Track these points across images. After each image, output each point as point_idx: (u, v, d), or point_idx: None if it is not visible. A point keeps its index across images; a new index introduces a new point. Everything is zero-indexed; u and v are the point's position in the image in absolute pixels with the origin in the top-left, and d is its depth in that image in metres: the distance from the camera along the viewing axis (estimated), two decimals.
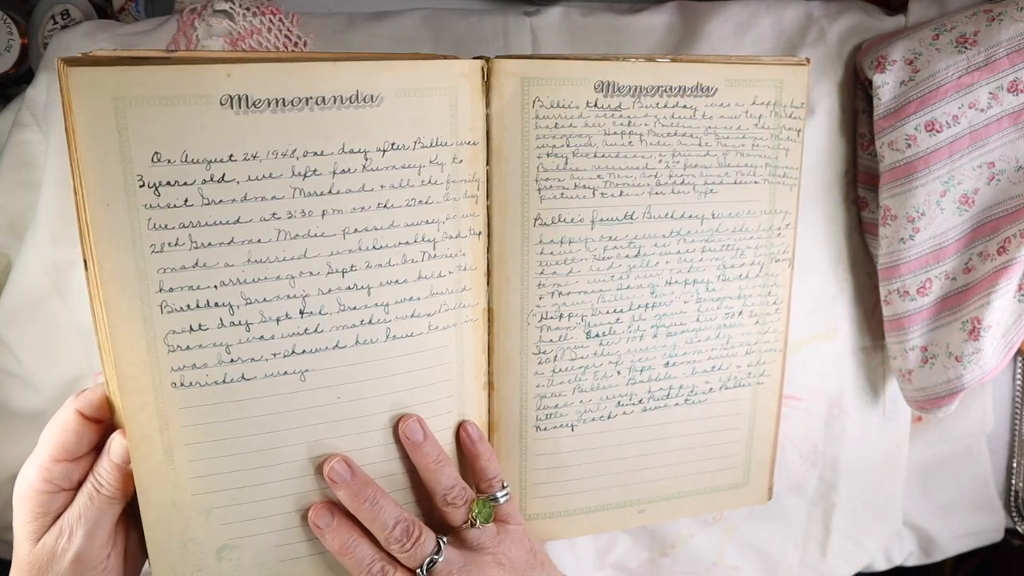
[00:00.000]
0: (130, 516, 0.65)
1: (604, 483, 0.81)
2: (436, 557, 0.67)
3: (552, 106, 0.70)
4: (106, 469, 0.62)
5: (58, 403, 0.64)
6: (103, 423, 0.64)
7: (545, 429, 0.77)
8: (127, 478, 0.62)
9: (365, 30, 0.85)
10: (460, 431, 0.73)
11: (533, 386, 0.76)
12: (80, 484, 0.63)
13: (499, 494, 0.72)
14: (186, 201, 0.59)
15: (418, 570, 0.66)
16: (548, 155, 0.71)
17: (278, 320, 0.63)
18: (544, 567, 0.73)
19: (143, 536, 0.64)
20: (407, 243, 0.66)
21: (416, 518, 0.68)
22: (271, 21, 0.82)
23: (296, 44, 0.83)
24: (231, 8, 0.80)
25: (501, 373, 0.75)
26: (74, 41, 0.78)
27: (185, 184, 0.59)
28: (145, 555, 0.66)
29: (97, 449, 0.64)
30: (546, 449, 0.78)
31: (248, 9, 0.81)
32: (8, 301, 0.79)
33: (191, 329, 0.61)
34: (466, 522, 0.69)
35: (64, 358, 0.81)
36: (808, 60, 0.78)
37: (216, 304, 0.61)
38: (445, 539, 0.68)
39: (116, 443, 0.62)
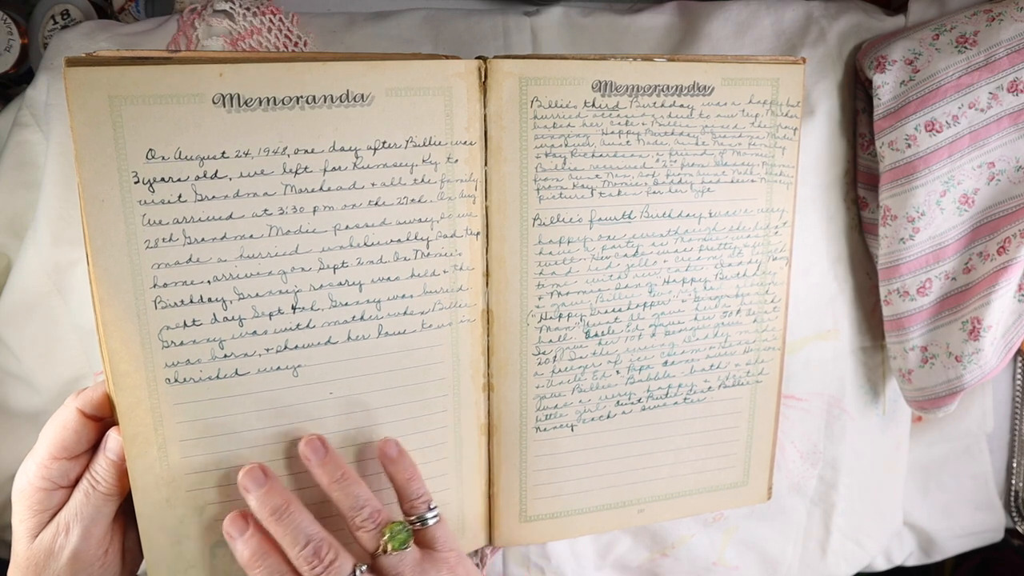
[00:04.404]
0: (127, 513, 0.65)
1: (604, 483, 0.81)
2: None
3: (550, 106, 0.70)
4: (102, 466, 0.63)
5: (58, 403, 0.65)
6: (103, 421, 0.64)
7: (545, 430, 0.77)
8: (123, 475, 0.63)
9: (365, 30, 0.86)
10: (378, 449, 0.69)
11: (533, 387, 0.76)
12: (78, 481, 0.64)
13: (427, 516, 0.68)
14: (180, 197, 0.60)
15: None
16: (546, 155, 0.71)
17: (270, 315, 0.64)
18: None
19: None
20: (399, 241, 0.67)
21: (333, 539, 0.63)
22: (271, 21, 0.82)
23: (296, 44, 0.83)
24: (231, 8, 0.81)
25: (500, 374, 0.75)
26: (74, 41, 0.78)
27: (179, 180, 0.60)
28: (143, 552, 0.66)
29: (95, 447, 0.64)
30: (546, 450, 0.78)
31: (248, 9, 0.81)
32: (8, 301, 0.79)
33: (185, 325, 0.62)
34: (379, 548, 0.64)
35: (64, 358, 0.81)
36: (804, 59, 0.78)
37: (209, 299, 0.62)
38: (364, 567, 0.64)
39: (112, 440, 0.63)
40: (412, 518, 0.67)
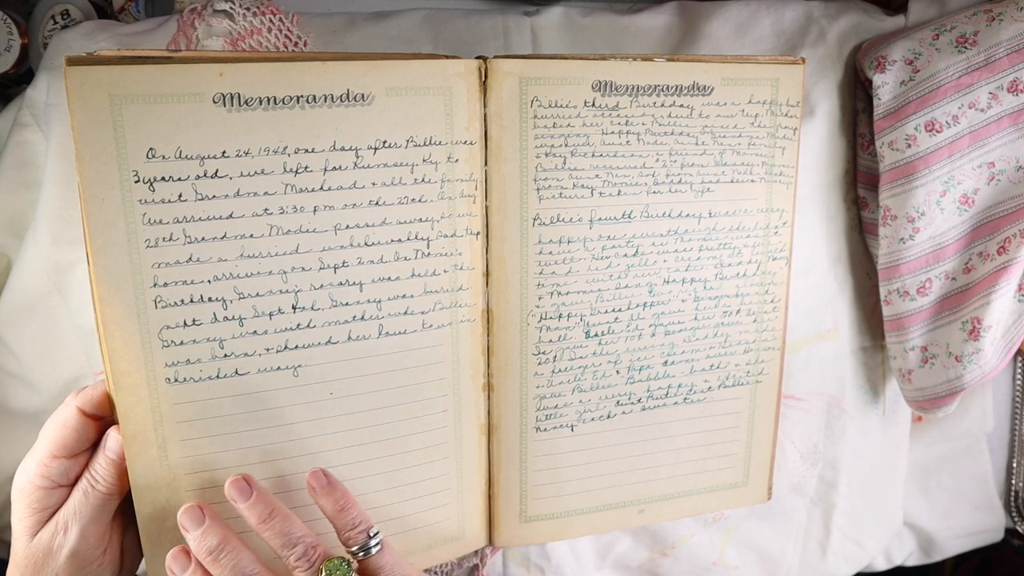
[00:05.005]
0: (127, 513, 0.65)
1: (604, 483, 0.81)
2: None
3: (550, 106, 0.70)
4: (102, 465, 0.62)
5: (58, 403, 0.65)
6: (103, 420, 0.64)
7: (545, 430, 0.77)
8: (122, 474, 0.63)
9: (365, 30, 0.85)
10: (307, 481, 0.65)
11: (533, 387, 0.76)
12: (78, 480, 0.63)
13: (370, 544, 0.64)
14: (180, 196, 0.60)
15: None
16: (547, 155, 0.71)
17: (271, 315, 0.64)
18: None
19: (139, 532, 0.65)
20: (400, 240, 0.67)
21: None
22: (271, 21, 0.82)
23: (296, 44, 0.83)
24: (231, 8, 0.80)
25: (500, 374, 0.75)
26: (74, 41, 0.78)
27: (179, 179, 0.60)
28: (142, 551, 0.66)
29: (95, 446, 0.64)
30: (546, 450, 0.78)
31: (248, 9, 0.81)
32: (8, 301, 0.79)
33: (185, 324, 0.62)
34: None
35: (64, 358, 0.81)
36: (803, 59, 0.78)
37: (210, 299, 0.62)
38: None
39: (112, 439, 0.63)
40: (353, 549, 0.64)
